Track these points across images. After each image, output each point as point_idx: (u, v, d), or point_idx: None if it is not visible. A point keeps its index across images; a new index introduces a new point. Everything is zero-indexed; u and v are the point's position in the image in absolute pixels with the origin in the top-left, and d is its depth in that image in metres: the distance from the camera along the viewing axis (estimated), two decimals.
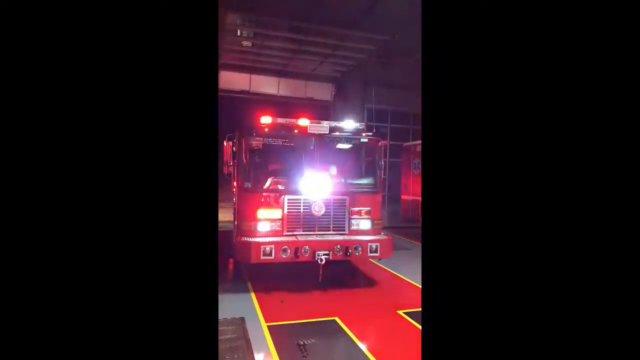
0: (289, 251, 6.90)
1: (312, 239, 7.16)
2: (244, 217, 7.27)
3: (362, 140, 7.82)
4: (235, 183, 8.53)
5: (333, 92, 20.67)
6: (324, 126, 7.52)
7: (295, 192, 7.33)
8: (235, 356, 4.50)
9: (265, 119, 7.34)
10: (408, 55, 16.52)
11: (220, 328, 4.93)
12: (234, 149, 7.65)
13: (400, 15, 12.55)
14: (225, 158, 8.00)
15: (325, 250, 7.05)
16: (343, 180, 7.68)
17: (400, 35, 14.33)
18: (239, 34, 14.95)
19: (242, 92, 19.19)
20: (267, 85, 19.74)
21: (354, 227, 7.60)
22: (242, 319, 5.62)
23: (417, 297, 6.83)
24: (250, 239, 6.93)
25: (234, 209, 10.81)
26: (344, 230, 7.55)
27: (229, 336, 5.00)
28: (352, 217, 7.59)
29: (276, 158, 7.80)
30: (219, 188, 2.31)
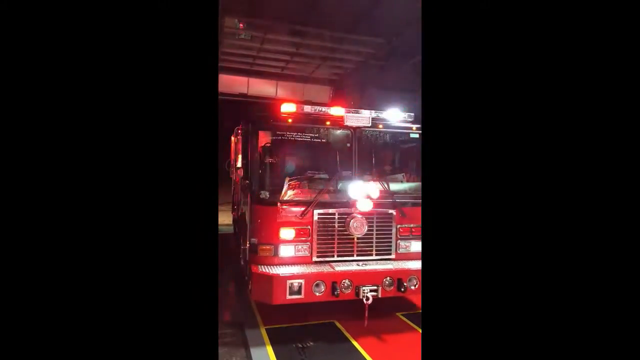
0: (323, 287, 4.38)
1: (354, 268, 4.64)
2: (261, 239, 4.70)
3: (412, 135, 5.29)
4: (242, 190, 5.95)
5: (331, 95, 18.82)
6: (365, 116, 4.98)
7: (328, 205, 4.78)
8: (234, 359, 4.19)
9: (288, 107, 4.77)
10: (405, 58, 14.92)
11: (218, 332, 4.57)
12: (245, 146, 5.07)
13: (397, 18, 11.12)
14: (232, 158, 5.40)
15: (372, 285, 4.54)
16: (386, 187, 5.11)
17: (397, 38, 12.85)
18: (236, 36, 13.30)
19: (240, 95, 17.42)
20: (265, 88, 17.94)
21: (402, 250, 5.11)
22: (241, 322, 5.05)
23: (416, 300, 5.88)
24: (271, 271, 4.39)
25: (236, 220, 8.16)
26: (390, 254, 5.04)
27: (227, 339, 4.58)
28: (400, 236, 5.08)
29: (302, 159, 5.23)
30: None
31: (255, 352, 4.28)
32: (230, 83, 16.72)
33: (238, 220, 7.09)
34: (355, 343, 4.51)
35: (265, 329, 4.82)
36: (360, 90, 17.32)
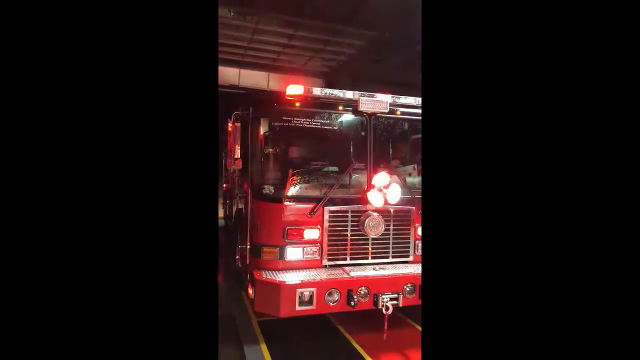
0: (337, 296, 3.63)
1: (371, 274, 3.90)
2: (265, 240, 3.91)
3: None
4: (239, 182, 5.16)
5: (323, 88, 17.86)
6: (383, 101, 4.22)
7: (340, 201, 4.03)
8: (226, 352, 3.80)
9: (295, 89, 3.99)
10: (398, 51, 14.25)
11: None
12: (244, 135, 4.25)
13: (390, 11, 10.48)
14: (229, 148, 4.60)
15: (392, 293, 3.81)
16: (404, 181, 4.36)
17: (390, 32, 12.14)
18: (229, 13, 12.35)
19: (231, 86, 16.29)
20: (256, 79, 17.07)
21: (420, 252, 4.36)
22: (232, 315, 4.70)
23: None
24: (278, 278, 3.62)
25: (228, 215, 7.36)
26: (408, 255, 4.32)
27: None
28: (419, 235, 4.35)
29: (310, 149, 4.44)
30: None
31: (247, 346, 3.92)
32: (221, 74, 16.01)
33: (233, 217, 6.29)
34: (349, 337, 4.16)
35: (258, 322, 4.48)
36: (353, 83, 16.69)
